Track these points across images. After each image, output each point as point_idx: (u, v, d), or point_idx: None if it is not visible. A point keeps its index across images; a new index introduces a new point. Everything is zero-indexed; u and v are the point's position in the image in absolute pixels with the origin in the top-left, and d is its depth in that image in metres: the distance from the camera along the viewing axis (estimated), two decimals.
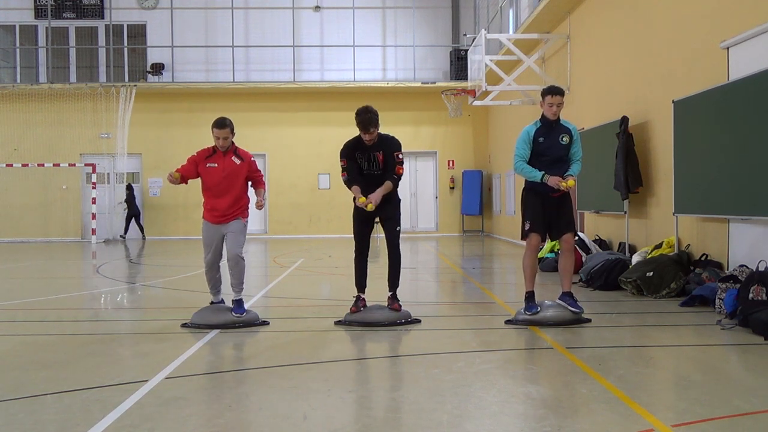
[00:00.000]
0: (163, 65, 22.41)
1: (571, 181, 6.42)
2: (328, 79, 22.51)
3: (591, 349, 5.67)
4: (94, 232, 20.82)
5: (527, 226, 6.66)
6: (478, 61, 16.00)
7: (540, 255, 11.09)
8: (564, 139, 6.58)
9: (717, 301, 6.75)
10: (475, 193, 22.35)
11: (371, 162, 6.61)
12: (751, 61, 7.32)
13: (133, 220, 21.33)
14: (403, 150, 6.72)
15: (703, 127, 8.15)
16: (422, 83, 21.78)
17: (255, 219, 21.16)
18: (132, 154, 21.86)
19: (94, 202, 20.91)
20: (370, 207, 6.45)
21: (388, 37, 23.08)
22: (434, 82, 21.83)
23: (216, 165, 6.58)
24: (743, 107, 7.26)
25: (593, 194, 11.75)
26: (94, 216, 20.91)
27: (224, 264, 6.69)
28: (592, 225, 12.55)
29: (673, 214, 8.89)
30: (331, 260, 14.14)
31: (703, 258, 8.29)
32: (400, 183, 6.73)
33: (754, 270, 6.70)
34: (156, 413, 3.91)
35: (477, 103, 16.77)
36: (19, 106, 21.39)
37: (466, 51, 19.46)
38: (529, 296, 6.58)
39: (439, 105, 19.61)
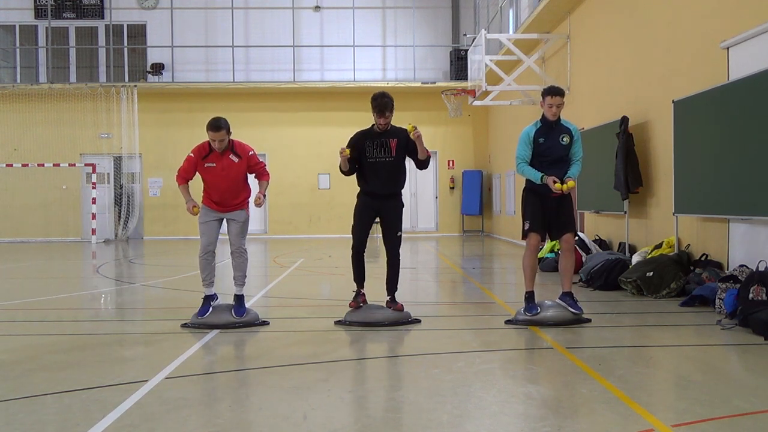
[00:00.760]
0: (163, 65, 22.41)
1: (570, 183, 6.42)
2: (328, 79, 22.51)
3: (591, 349, 5.67)
4: (94, 232, 20.82)
5: (527, 226, 6.67)
6: (478, 61, 16.00)
7: (540, 255, 11.09)
8: (564, 139, 6.58)
9: (717, 301, 6.75)
10: (475, 193, 22.35)
11: (383, 148, 6.60)
12: (751, 61, 7.31)
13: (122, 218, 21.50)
14: None
15: (703, 127, 8.15)
16: (422, 83, 21.78)
17: (255, 219, 21.17)
18: (131, 154, 21.88)
19: (94, 202, 20.91)
20: (347, 152, 6.51)
21: (388, 37, 23.08)
22: (434, 82, 21.83)
23: (214, 165, 6.50)
24: (743, 107, 7.26)
25: (593, 194, 11.75)
26: (94, 216, 20.91)
27: (221, 258, 6.64)
28: (592, 225, 12.55)
29: (673, 214, 8.89)
30: (331, 260, 14.14)
31: (703, 258, 8.29)
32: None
33: (754, 270, 6.70)
34: (156, 413, 3.91)
35: (477, 103, 16.77)
36: (19, 106, 21.39)
37: (466, 51, 19.46)
38: (529, 296, 6.59)
39: (439, 105, 19.61)
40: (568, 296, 6.55)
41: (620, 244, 10.91)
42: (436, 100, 19.75)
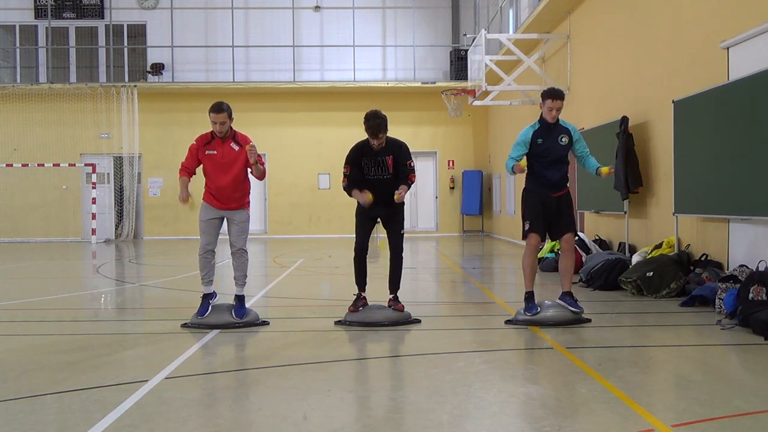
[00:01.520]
0: (163, 65, 22.41)
1: (605, 169, 6.57)
2: (328, 79, 22.51)
3: (591, 349, 5.67)
4: (94, 232, 20.82)
5: (527, 226, 6.67)
6: (478, 61, 16.00)
7: (540, 255, 11.09)
8: (563, 139, 6.58)
9: (717, 301, 6.75)
10: (475, 193, 22.35)
11: (379, 166, 6.57)
12: (751, 61, 7.31)
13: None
14: None
15: (703, 127, 8.15)
16: (422, 83, 21.77)
17: (255, 219, 21.18)
18: (131, 154, 21.88)
19: (94, 202, 20.91)
20: (369, 198, 6.46)
21: (388, 37, 23.07)
22: (434, 82, 21.83)
23: (215, 152, 6.51)
24: (743, 107, 7.26)
25: (593, 194, 11.75)
26: (94, 216, 20.91)
27: (221, 258, 6.65)
28: (592, 225, 12.55)
29: (673, 214, 8.89)
30: (331, 260, 14.14)
31: (703, 258, 8.29)
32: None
33: (754, 270, 6.70)
34: (156, 413, 3.91)
35: (477, 103, 16.76)
36: (19, 106, 21.38)
37: (466, 51, 19.46)
38: (529, 296, 6.58)
39: (439, 105, 19.60)
40: (568, 296, 6.55)
41: (620, 244, 10.90)
42: (436, 100, 19.75)
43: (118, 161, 22.02)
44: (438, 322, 6.97)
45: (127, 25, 22.72)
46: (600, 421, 3.72)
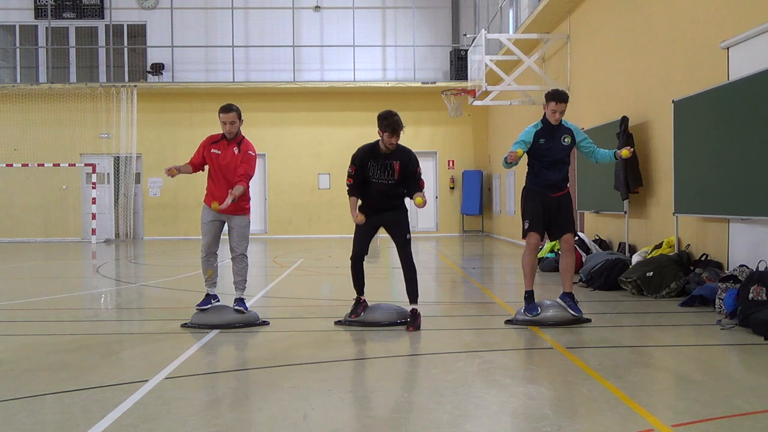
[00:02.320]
0: (163, 65, 22.40)
1: (625, 151, 6.53)
2: (328, 79, 22.50)
3: (591, 349, 5.67)
4: (94, 232, 20.82)
5: (527, 225, 6.66)
6: (478, 61, 15.99)
7: (540, 255, 11.10)
8: (566, 140, 6.58)
9: (717, 301, 6.75)
10: (475, 193, 22.35)
11: (386, 171, 6.43)
12: (751, 61, 7.32)
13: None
14: None
15: (703, 127, 8.15)
16: (422, 83, 21.77)
17: (255, 219, 21.19)
18: (129, 154, 21.89)
19: (94, 202, 20.91)
20: (361, 219, 6.45)
21: (388, 37, 23.07)
22: (434, 82, 21.82)
23: (219, 152, 6.55)
24: (743, 107, 7.26)
25: (593, 194, 11.75)
26: (94, 216, 20.91)
27: (221, 258, 6.66)
28: (592, 225, 12.55)
29: (673, 214, 8.89)
30: (331, 260, 14.14)
31: (703, 258, 8.29)
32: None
33: (754, 270, 6.70)
34: (156, 413, 3.91)
35: (477, 103, 16.75)
36: (19, 106, 21.38)
37: (466, 51, 19.46)
38: (529, 296, 6.58)
39: (439, 105, 19.60)
40: (568, 297, 6.54)
41: (620, 244, 10.91)
42: (436, 100, 19.75)
43: (117, 161, 21.99)
44: (438, 322, 6.96)
45: (127, 25, 22.72)
46: (600, 421, 3.72)
